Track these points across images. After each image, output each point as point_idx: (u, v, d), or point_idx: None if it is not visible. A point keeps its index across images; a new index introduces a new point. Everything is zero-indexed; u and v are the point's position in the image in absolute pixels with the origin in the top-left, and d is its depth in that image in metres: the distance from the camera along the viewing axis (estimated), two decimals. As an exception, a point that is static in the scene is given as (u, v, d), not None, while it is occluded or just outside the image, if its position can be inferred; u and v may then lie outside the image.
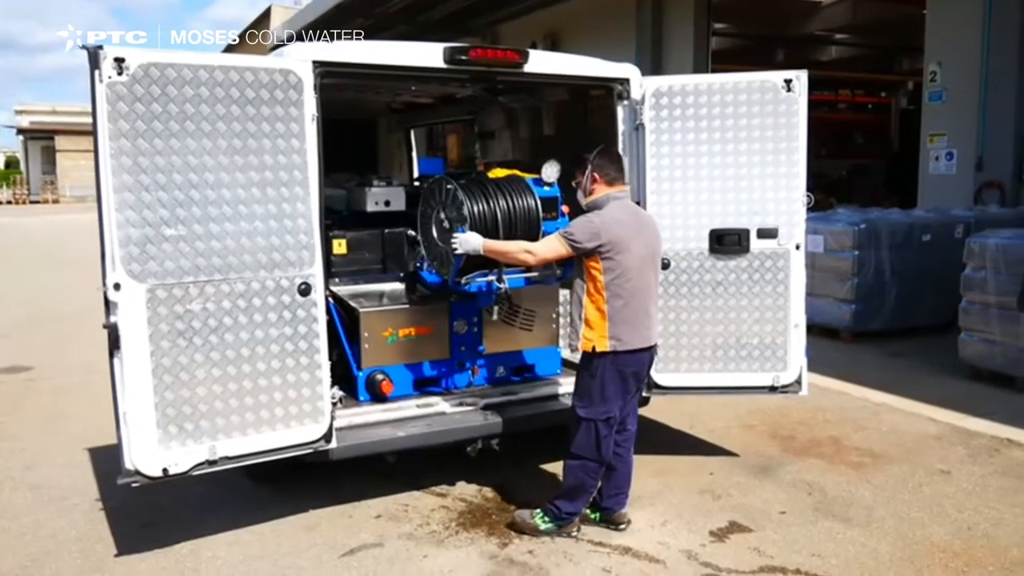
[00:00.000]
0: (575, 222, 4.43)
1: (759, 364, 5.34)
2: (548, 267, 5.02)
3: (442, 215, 5.01)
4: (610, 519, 4.62)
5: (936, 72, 11.54)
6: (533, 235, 4.98)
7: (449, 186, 4.98)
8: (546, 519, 4.51)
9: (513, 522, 4.61)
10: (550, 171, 5.07)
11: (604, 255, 4.25)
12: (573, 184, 4.62)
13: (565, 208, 5.26)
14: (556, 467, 5.47)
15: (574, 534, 4.51)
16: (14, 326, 10.81)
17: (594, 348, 4.31)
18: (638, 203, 5.33)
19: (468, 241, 4.67)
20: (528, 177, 5.15)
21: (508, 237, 4.89)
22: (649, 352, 4.46)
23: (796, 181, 5.20)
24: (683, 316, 5.37)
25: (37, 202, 46.85)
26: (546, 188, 5.12)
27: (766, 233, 5.23)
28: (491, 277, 5.02)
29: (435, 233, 5.09)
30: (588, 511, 4.66)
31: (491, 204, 4.94)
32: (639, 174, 5.33)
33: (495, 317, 5.34)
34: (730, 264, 5.29)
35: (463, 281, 5.00)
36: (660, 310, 5.33)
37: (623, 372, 4.34)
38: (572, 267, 4.99)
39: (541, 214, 5.03)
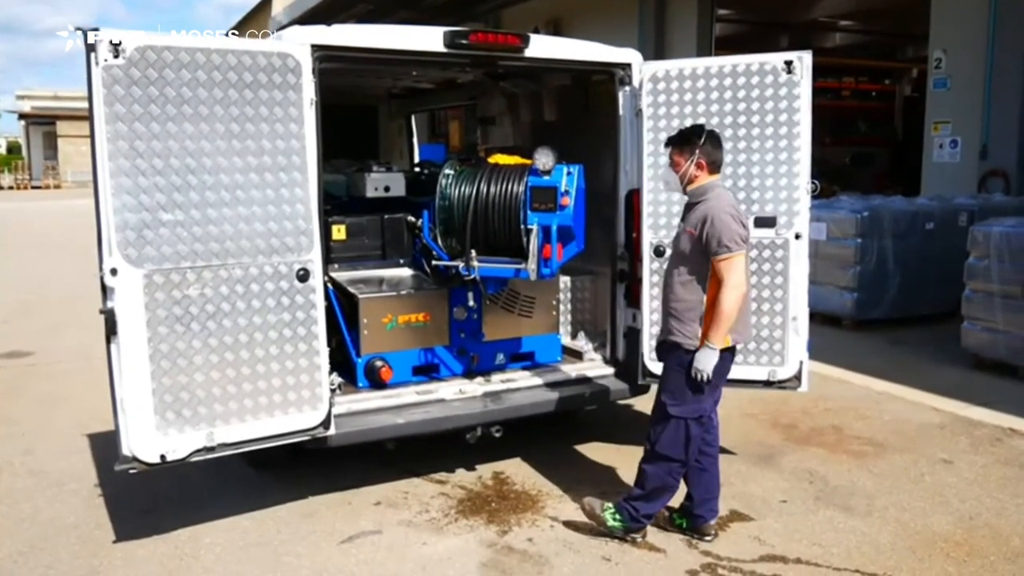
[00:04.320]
0: (725, 225, 3.96)
1: (755, 357, 5.17)
2: (520, 261, 4.91)
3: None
4: (698, 528, 4.36)
5: (941, 59, 11.47)
6: (513, 223, 4.96)
7: (448, 170, 5.11)
8: (617, 517, 4.27)
9: (582, 506, 4.42)
10: (543, 159, 4.83)
11: None
12: (669, 163, 4.30)
13: (564, 200, 4.87)
14: (556, 454, 5.47)
15: (637, 540, 4.29)
16: (14, 311, 10.79)
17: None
18: (636, 191, 5.30)
19: (706, 363, 4.04)
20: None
21: (484, 221, 4.99)
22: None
23: (797, 168, 4.98)
24: None
25: (39, 187, 46.77)
26: (544, 177, 4.88)
27: (764, 222, 5.05)
28: (458, 263, 5.09)
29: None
30: (676, 517, 4.46)
31: (472, 188, 5.02)
32: (637, 161, 5.28)
33: (464, 315, 5.42)
34: None
35: (441, 265, 5.21)
36: (654, 297, 5.29)
37: (719, 368, 4.07)
38: (555, 269, 4.95)
39: (521, 202, 4.91)
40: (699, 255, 4.07)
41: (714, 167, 4.18)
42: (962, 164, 11.24)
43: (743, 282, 4.02)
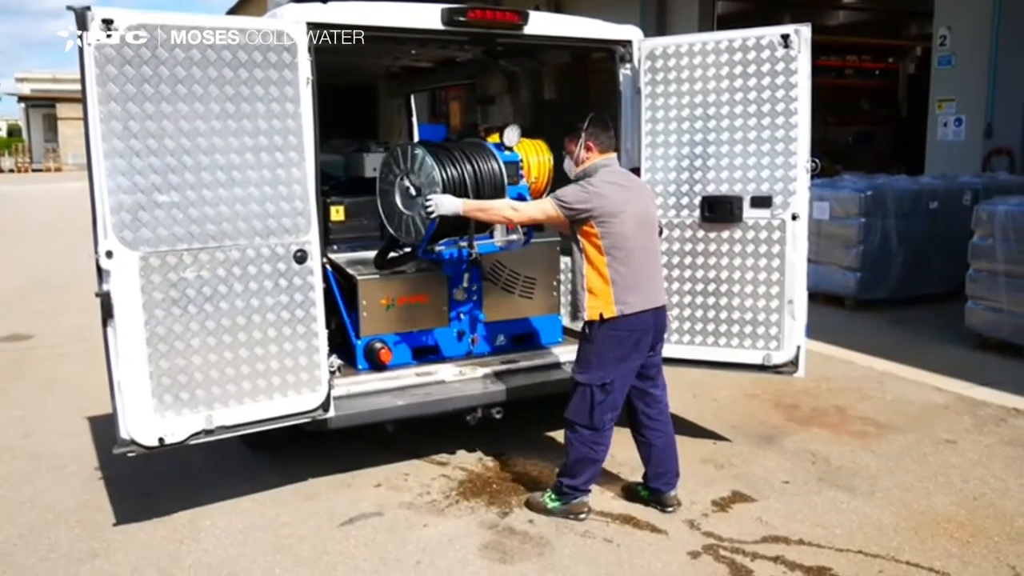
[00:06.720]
0: (567, 188, 4.30)
1: (751, 341, 5.09)
2: (515, 231, 5.02)
3: (406, 182, 4.86)
4: (659, 500, 4.49)
5: (946, 36, 11.36)
6: (499, 199, 4.92)
7: (417, 152, 4.86)
8: (553, 497, 4.40)
9: (527, 502, 4.51)
10: (512, 135, 5.01)
11: (599, 221, 4.16)
12: (564, 153, 4.49)
13: (524, 172, 5.19)
14: (557, 435, 5.45)
15: (581, 517, 4.35)
16: (13, 295, 10.78)
17: (601, 316, 4.18)
18: (636, 170, 5.24)
19: (443, 203, 4.54)
20: (491, 142, 5.08)
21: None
22: (654, 315, 4.29)
23: (794, 146, 4.81)
24: (673, 286, 5.22)
25: (40, 170, 46.67)
26: (507, 152, 5.05)
27: (760, 202, 4.95)
28: (462, 243, 4.97)
29: (399, 201, 4.94)
30: (640, 489, 4.56)
31: (459, 169, 4.86)
32: (637, 139, 5.22)
33: (464, 297, 5.33)
34: (723, 234, 5.07)
35: (432, 249, 4.96)
36: None
37: (623, 336, 4.20)
38: (533, 233, 5.10)
39: (505, 178, 4.95)
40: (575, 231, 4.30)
41: (602, 147, 4.36)
42: (966, 142, 11.16)
43: (528, 215, 4.44)
